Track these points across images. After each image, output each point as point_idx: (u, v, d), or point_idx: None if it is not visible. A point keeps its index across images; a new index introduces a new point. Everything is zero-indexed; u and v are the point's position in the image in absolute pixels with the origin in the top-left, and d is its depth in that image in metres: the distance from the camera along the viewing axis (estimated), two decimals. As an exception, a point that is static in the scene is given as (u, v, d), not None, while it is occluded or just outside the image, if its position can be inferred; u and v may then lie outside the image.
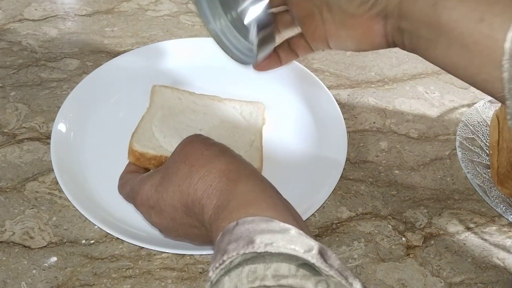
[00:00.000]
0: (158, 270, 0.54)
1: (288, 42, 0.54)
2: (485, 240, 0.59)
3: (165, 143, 0.60)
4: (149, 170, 0.54)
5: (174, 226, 0.46)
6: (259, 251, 0.34)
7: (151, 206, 0.46)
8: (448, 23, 0.41)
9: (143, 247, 0.55)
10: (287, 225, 0.36)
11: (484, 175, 0.62)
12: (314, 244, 0.35)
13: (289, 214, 0.39)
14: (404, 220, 0.60)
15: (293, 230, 0.36)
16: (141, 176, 0.49)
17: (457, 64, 0.43)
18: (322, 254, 0.34)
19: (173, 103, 0.64)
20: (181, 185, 0.44)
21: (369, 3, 0.45)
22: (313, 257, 0.34)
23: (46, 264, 0.54)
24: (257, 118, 0.65)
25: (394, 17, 0.45)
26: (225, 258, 0.34)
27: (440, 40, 0.42)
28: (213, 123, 0.63)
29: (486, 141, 0.66)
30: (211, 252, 0.52)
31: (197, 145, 0.45)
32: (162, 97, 0.65)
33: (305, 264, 0.33)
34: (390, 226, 0.59)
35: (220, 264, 0.35)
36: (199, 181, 0.42)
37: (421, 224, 0.60)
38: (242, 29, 0.51)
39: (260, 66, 0.54)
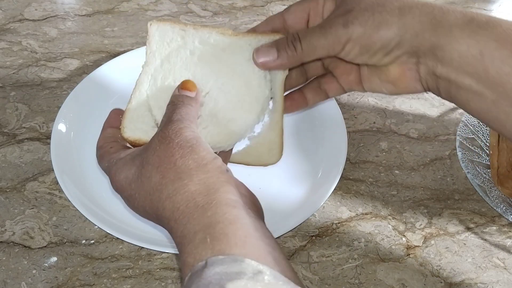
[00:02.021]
0: (158, 270, 0.54)
1: (318, 82, 0.52)
2: (485, 240, 0.59)
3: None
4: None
5: (148, 219, 0.43)
6: None
7: (125, 197, 0.43)
8: (497, 77, 0.37)
9: (143, 247, 0.55)
10: (260, 266, 0.33)
11: (484, 175, 0.62)
12: None
13: (263, 248, 0.36)
14: (404, 220, 0.60)
15: (267, 273, 0.33)
16: (118, 158, 0.44)
17: (504, 122, 0.39)
18: None
19: (174, 48, 0.52)
20: (152, 195, 0.40)
21: (390, 51, 0.42)
22: None
23: (46, 264, 0.54)
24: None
25: (427, 61, 0.41)
26: None
27: (486, 94, 0.39)
28: (223, 79, 0.50)
29: (486, 141, 0.66)
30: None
31: (172, 148, 0.40)
32: (160, 40, 0.52)
33: None
34: (390, 226, 0.59)
35: None
36: (167, 200, 0.39)
37: (421, 224, 0.60)
38: None
39: (286, 109, 0.51)
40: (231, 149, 0.52)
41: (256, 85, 0.50)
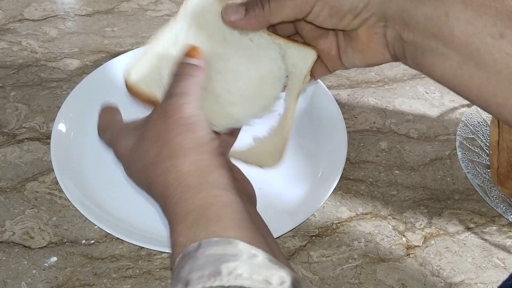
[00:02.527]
0: (158, 270, 0.54)
1: None
2: (485, 240, 0.59)
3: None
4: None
5: (143, 190, 0.43)
6: (226, 284, 0.30)
7: (124, 165, 0.43)
8: (462, 37, 0.37)
9: (143, 247, 0.55)
10: (254, 250, 0.33)
11: (484, 175, 0.62)
12: (287, 276, 0.32)
13: (256, 232, 0.35)
14: (404, 220, 0.60)
15: (261, 256, 0.32)
16: (120, 128, 0.44)
17: (469, 85, 0.38)
18: (295, 286, 0.31)
19: (207, 19, 0.49)
20: (147, 168, 0.40)
21: (359, 13, 0.41)
22: None
23: (46, 264, 0.54)
24: (298, 73, 0.51)
25: (394, 25, 0.41)
26: None
27: (451, 56, 0.38)
28: (239, 66, 0.49)
29: (486, 141, 0.66)
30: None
31: (170, 124, 0.39)
32: (199, 5, 0.49)
33: None
34: (390, 226, 0.59)
35: None
36: (160, 176, 0.38)
37: (421, 224, 0.60)
38: None
39: None
40: (236, 131, 0.51)
41: (269, 83, 0.49)
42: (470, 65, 0.38)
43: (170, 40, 0.49)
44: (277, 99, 0.50)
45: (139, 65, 0.48)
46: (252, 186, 0.44)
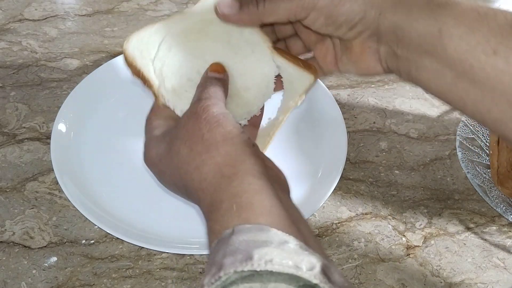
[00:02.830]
0: (158, 270, 0.54)
1: None
2: (485, 240, 0.59)
3: (159, 70, 0.49)
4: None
5: (178, 194, 0.45)
6: (258, 269, 0.31)
7: (156, 173, 0.45)
8: (455, 55, 0.37)
9: (143, 247, 0.55)
10: (285, 236, 0.34)
11: (484, 175, 0.62)
12: (317, 261, 0.32)
13: (288, 219, 0.36)
14: (404, 220, 0.60)
15: (292, 242, 0.33)
16: (152, 135, 0.45)
17: (465, 101, 0.39)
18: (325, 272, 0.32)
19: (213, 20, 0.49)
20: (180, 169, 0.41)
21: (354, 26, 0.42)
22: (315, 277, 0.31)
23: (46, 264, 0.54)
24: (293, 91, 0.52)
25: (388, 41, 0.42)
26: (221, 274, 0.32)
27: (445, 72, 0.38)
28: (235, 70, 0.50)
29: (486, 141, 0.66)
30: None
31: (200, 123, 0.41)
32: (209, 6, 0.50)
33: (306, 285, 0.31)
34: (390, 226, 0.59)
35: (216, 280, 0.32)
36: (195, 171, 0.40)
37: (421, 224, 0.60)
38: None
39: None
40: (257, 121, 0.52)
41: (264, 86, 0.51)
42: (465, 82, 0.38)
43: (178, 22, 0.50)
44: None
45: (140, 37, 0.49)
46: (284, 174, 0.45)
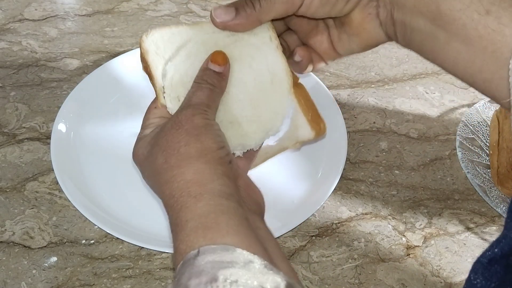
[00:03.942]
0: (158, 270, 0.54)
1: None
2: (485, 240, 0.59)
3: (170, 77, 0.47)
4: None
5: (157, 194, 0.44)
6: None
7: (140, 170, 0.44)
8: (449, 13, 0.38)
9: (143, 247, 0.55)
10: (250, 256, 0.33)
11: (484, 175, 0.62)
12: (281, 281, 0.32)
13: (254, 238, 0.36)
14: (404, 220, 0.60)
15: (257, 262, 0.33)
16: (142, 135, 0.45)
17: (457, 61, 0.39)
18: None
19: (236, 36, 0.48)
20: (155, 176, 0.41)
21: None
22: None
23: (46, 264, 0.54)
24: (292, 135, 0.51)
25: (386, 4, 0.42)
26: None
27: (438, 33, 0.39)
28: (249, 104, 0.49)
29: (486, 141, 0.66)
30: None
31: (179, 134, 0.40)
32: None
33: None
34: (390, 226, 0.59)
35: None
36: (165, 185, 0.39)
37: (421, 224, 0.60)
38: None
39: None
40: (251, 155, 0.51)
41: (278, 106, 0.49)
42: (457, 42, 0.38)
43: (205, 32, 0.48)
44: (283, 118, 0.50)
45: (161, 33, 0.47)
46: (260, 194, 0.44)
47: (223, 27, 0.46)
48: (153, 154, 0.42)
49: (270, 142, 0.52)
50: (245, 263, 0.33)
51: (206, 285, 0.32)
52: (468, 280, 0.35)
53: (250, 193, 0.43)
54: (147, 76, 0.49)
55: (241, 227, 0.36)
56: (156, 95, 0.47)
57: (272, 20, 0.47)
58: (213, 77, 0.45)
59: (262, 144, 0.50)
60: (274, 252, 0.37)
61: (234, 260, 0.33)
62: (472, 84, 0.40)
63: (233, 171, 0.41)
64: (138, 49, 0.71)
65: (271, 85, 0.49)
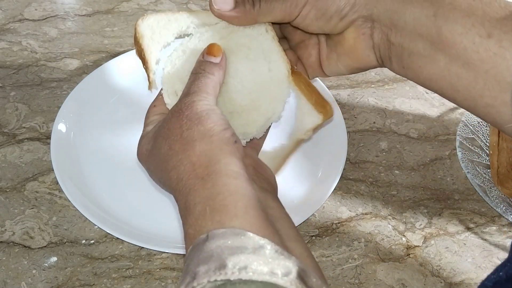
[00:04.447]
0: (158, 270, 0.54)
1: None
2: (485, 240, 0.59)
3: (167, 72, 0.47)
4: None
5: (164, 190, 0.44)
6: (232, 278, 0.31)
7: (146, 169, 0.44)
8: (450, 37, 0.37)
9: (143, 247, 0.55)
10: (261, 240, 0.33)
11: (484, 175, 0.62)
12: (293, 266, 0.32)
13: (265, 220, 0.35)
14: (404, 220, 0.60)
15: (268, 247, 0.33)
16: (145, 133, 0.45)
17: (457, 86, 0.39)
18: (301, 276, 0.31)
19: (232, 27, 0.48)
20: (161, 166, 0.41)
21: (345, 15, 0.42)
22: (292, 283, 0.31)
23: (46, 264, 0.54)
24: (302, 124, 0.51)
25: (381, 26, 0.41)
26: (195, 284, 0.31)
27: (438, 57, 0.39)
28: (244, 77, 0.49)
29: (486, 141, 0.66)
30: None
31: (181, 120, 0.40)
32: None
33: None
34: (390, 226, 0.59)
35: None
36: (172, 170, 0.39)
37: (421, 224, 0.60)
38: None
39: None
40: (263, 136, 0.51)
41: (277, 91, 0.49)
42: (458, 66, 0.38)
43: (202, 19, 0.48)
44: (283, 104, 0.50)
45: (158, 18, 0.47)
46: (271, 172, 0.44)
47: (219, 15, 0.46)
48: (156, 146, 0.42)
49: (283, 140, 0.51)
50: (255, 248, 0.32)
51: (215, 271, 0.31)
52: None
53: (260, 171, 0.42)
54: (142, 69, 0.48)
55: (250, 208, 0.35)
56: (148, 79, 0.47)
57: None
58: (210, 67, 0.44)
59: (265, 131, 0.50)
60: (287, 232, 0.37)
61: (243, 245, 0.32)
62: (473, 109, 0.39)
63: (239, 150, 0.40)
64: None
65: (268, 73, 0.49)
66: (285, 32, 0.50)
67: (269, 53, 0.49)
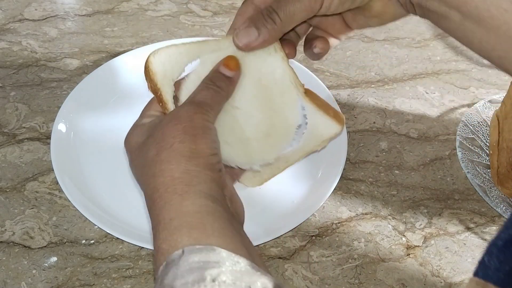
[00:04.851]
0: (158, 270, 0.54)
1: (310, 44, 0.50)
2: (485, 240, 0.59)
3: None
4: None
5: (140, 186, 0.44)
6: None
7: (129, 158, 0.44)
8: None
9: (143, 247, 0.55)
10: (236, 257, 0.33)
11: (484, 175, 0.62)
12: (269, 282, 0.32)
13: (238, 241, 0.36)
14: (404, 220, 0.60)
15: (243, 263, 0.33)
16: (140, 123, 0.45)
17: (471, 39, 0.41)
18: None
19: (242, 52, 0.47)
20: (143, 167, 0.40)
21: None
22: None
23: (46, 264, 0.54)
24: (317, 136, 0.52)
25: None
26: None
27: (452, 14, 0.40)
28: (258, 106, 0.49)
29: (486, 141, 0.66)
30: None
31: (177, 130, 0.40)
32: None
33: None
34: (390, 226, 0.59)
35: None
36: (151, 178, 0.39)
37: (421, 224, 0.60)
38: None
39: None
40: (241, 171, 0.53)
41: (282, 132, 0.50)
42: (471, 22, 0.39)
43: (211, 48, 0.47)
44: (286, 146, 0.51)
45: (169, 53, 0.47)
46: (242, 207, 0.44)
47: (248, 48, 0.45)
48: (146, 145, 0.41)
49: (287, 150, 0.52)
50: (232, 264, 0.32)
51: (193, 284, 0.31)
52: (482, 262, 0.35)
53: (233, 205, 0.42)
54: (143, 68, 0.48)
55: (226, 230, 0.36)
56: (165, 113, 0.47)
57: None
58: (222, 80, 0.45)
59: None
60: (256, 257, 0.37)
61: (221, 261, 0.33)
62: (488, 59, 0.42)
63: (221, 179, 0.40)
64: (138, 49, 0.73)
65: (281, 98, 0.49)
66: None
67: (281, 78, 0.48)
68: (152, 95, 0.49)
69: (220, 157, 0.41)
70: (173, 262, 0.33)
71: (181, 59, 0.47)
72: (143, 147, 0.42)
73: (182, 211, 0.36)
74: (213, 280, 0.31)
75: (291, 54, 0.49)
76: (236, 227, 0.38)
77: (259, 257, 0.38)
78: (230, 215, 0.38)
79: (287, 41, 0.49)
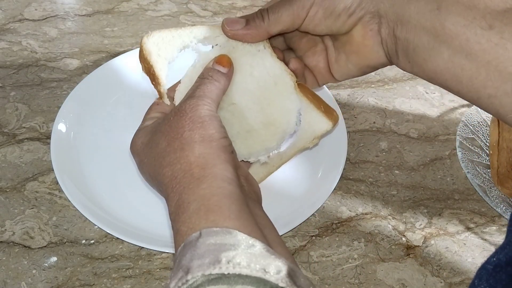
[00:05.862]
0: (158, 270, 0.54)
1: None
2: (485, 240, 0.59)
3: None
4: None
5: (152, 186, 0.45)
6: (225, 272, 0.32)
7: (137, 162, 0.45)
8: (453, 29, 0.39)
9: (143, 247, 0.55)
10: (252, 240, 0.34)
11: (484, 175, 0.62)
12: (283, 265, 0.33)
13: (255, 224, 0.37)
14: (404, 220, 0.60)
15: (258, 246, 0.34)
16: (143, 126, 0.47)
17: (460, 78, 0.40)
18: (291, 275, 0.33)
19: (234, 45, 0.49)
20: (156, 160, 0.41)
21: (353, 12, 0.43)
22: (282, 281, 0.32)
23: (46, 264, 0.54)
24: (308, 133, 0.53)
25: (388, 21, 0.42)
26: (189, 277, 0.32)
27: (442, 49, 0.40)
28: (256, 99, 0.50)
29: (486, 141, 0.66)
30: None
31: (184, 120, 0.41)
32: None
33: None
34: (390, 226, 0.59)
35: (183, 284, 0.32)
36: (167, 167, 0.40)
37: (421, 224, 0.60)
38: None
39: None
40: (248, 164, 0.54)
41: (278, 126, 0.51)
42: (461, 57, 0.39)
43: (201, 35, 0.49)
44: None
45: (162, 35, 0.48)
46: (257, 185, 0.46)
47: (233, 35, 0.47)
48: (154, 140, 0.43)
49: (283, 147, 0.53)
50: (247, 247, 0.33)
51: (209, 266, 0.32)
52: (472, 285, 0.36)
53: (249, 182, 0.44)
54: (147, 77, 0.49)
55: (242, 212, 0.37)
56: (160, 95, 0.48)
57: (273, 36, 0.49)
58: (218, 75, 0.46)
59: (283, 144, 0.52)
60: (274, 239, 0.38)
61: (236, 243, 0.34)
62: (476, 101, 0.40)
63: (234, 160, 0.42)
64: (138, 49, 0.72)
65: (275, 87, 0.50)
66: (290, 43, 0.51)
67: (272, 68, 0.50)
68: (152, 98, 0.49)
69: (230, 140, 0.43)
70: (190, 244, 0.34)
71: (174, 42, 0.48)
72: (151, 143, 0.43)
73: (199, 194, 0.37)
74: (228, 262, 0.32)
75: (298, 70, 0.51)
76: (252, 208, 0.39)
77: (276, 236, 0.39)
78: (246, 196, 0.40)
79: (295, 59, 0.51)
